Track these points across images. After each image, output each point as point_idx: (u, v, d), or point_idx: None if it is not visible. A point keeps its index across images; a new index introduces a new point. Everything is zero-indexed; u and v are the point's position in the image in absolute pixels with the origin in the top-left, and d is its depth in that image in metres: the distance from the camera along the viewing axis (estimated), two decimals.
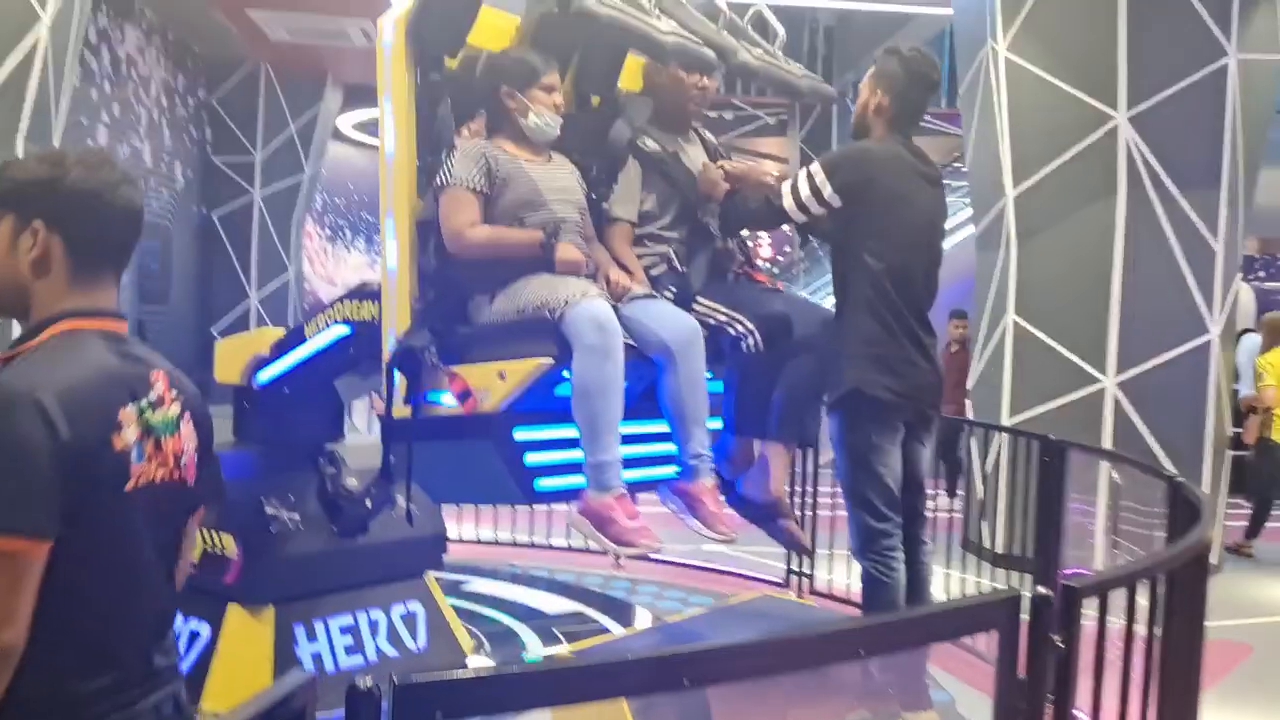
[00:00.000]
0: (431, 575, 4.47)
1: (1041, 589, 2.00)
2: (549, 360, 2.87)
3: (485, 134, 3.18)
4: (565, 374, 2.90)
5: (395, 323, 3.14)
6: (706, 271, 3.42)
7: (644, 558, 6.99)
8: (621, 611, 5.73)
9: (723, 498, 3.68)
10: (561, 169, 3.26)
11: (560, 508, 3.89)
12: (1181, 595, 2.47)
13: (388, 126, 3.12)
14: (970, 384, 8.21)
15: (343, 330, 3.77)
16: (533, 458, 3.07)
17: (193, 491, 1.75)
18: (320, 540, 3.99)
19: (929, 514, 3.61)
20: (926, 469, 3.52)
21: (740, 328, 3.21)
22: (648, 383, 3.10)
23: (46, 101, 7.06)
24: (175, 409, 1.68)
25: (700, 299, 3.28)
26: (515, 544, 7.07)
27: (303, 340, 3.95)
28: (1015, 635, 1.92)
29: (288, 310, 13.66)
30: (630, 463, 3.32)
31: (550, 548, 6.93)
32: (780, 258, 17.36)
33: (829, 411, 3.37)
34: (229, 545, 3.85)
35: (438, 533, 4.38)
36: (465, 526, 6.69)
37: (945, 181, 3.90)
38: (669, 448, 3.21)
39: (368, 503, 4.01)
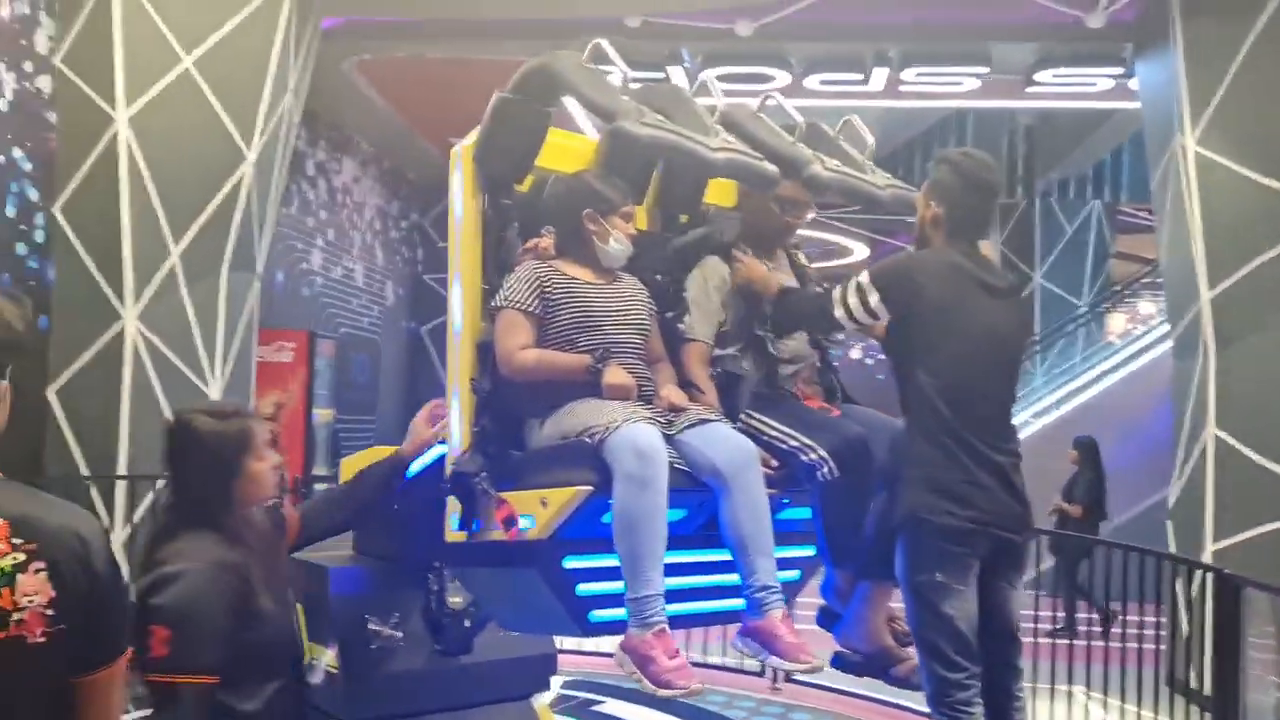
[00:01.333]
0: (542, 698, 4.40)
1: None
2: (588, 488, 2.79)
3: (554, 252, 3.18)
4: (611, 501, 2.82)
5: (458, 446, 3.16)
6: (780, 399, 3.27)
7: (795, 680, 6.73)
8: None
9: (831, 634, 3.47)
10: (626, 290, 3.23)
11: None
12: None
13: (456, 252, 3.19)
14: (1170, 504, 7.50)
15: (442, 449, 3.83)
16: (585, 587, 2.98)
17: (38, 649, 1.60)
18: (423, 658, 4.00)
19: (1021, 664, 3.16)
20: (1017, 612, 3.14)
21: (814, 455, 3.04)
22: (711, 511, 2.97)
23: (250, 231, 7.70)
24: (10, 559, 1.57)
25: (770, 421, 3.13)
26: None
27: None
28: None
29: None
30: (699, 593, 3.17)
31: (705, 665, 6.71)
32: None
33: (896, 545, 3.08)
34: (331, 660, 3.91)
35: (546, 653, 4.31)
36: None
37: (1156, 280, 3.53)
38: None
39: (467, 621, 4.00)
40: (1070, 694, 6.48)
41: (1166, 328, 11.28)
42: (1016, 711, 3.04)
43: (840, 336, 3.53)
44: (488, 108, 3.11)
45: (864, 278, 3.14)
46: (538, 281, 3.07)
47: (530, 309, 3.05)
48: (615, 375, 2.94)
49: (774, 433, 3.12)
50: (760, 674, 6.91)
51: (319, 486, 9.26)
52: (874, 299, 3.09)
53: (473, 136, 3.16)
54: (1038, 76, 9.47)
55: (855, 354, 18.69)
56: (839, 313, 3.15)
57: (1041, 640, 8.17)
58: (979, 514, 2.94)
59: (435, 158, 12.90)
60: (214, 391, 7.44)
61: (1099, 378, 13.01)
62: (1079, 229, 14.68)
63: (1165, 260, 7.83)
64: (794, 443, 3.09)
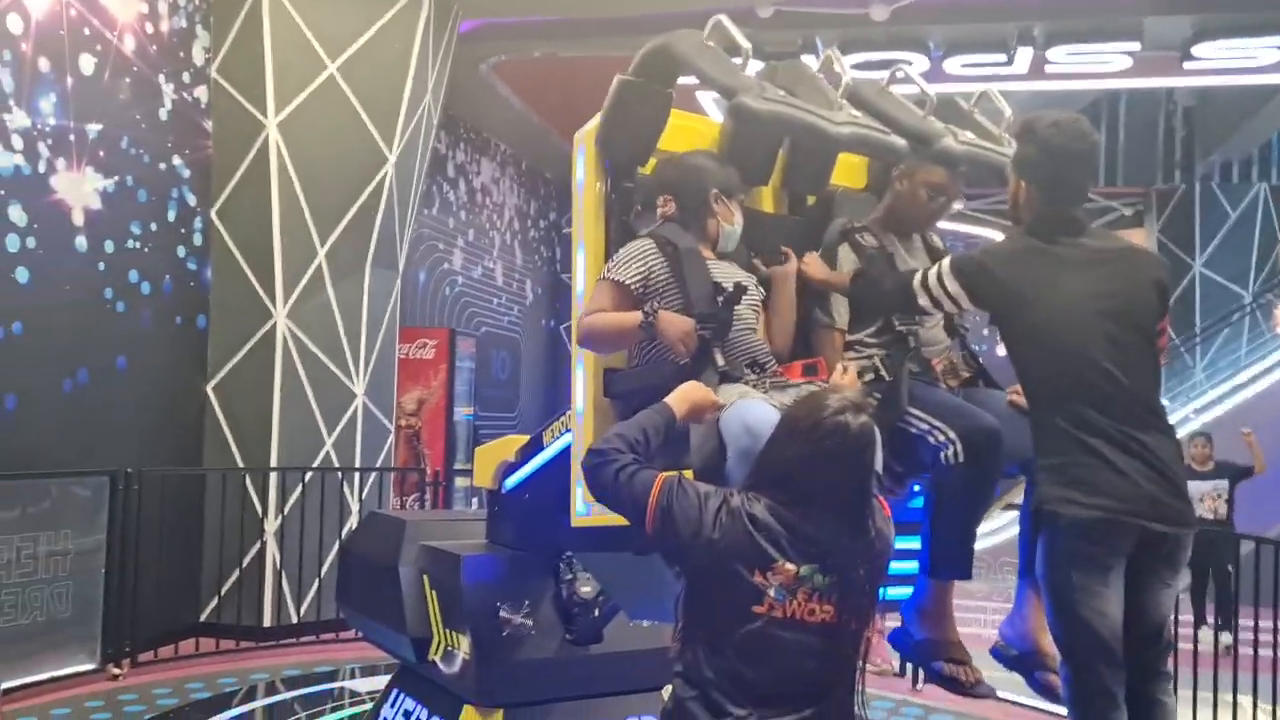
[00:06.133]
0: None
1: None
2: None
3: (675, 218, 3.14)
4: None
5: (580, 429, 3.14)
6: (912, 379, 3.13)
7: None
8: None
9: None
10: (733, 267, 3.18)
11: None
12: None
13: (580, 238, 3.19)
14: None
15: (569, 438, 3.84)
16: None
17: None
18: (553, 647, 4.02)
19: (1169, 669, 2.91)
20: (1168, 613, 2.90)
21: (941, 436, 2.91)
22: None
23: (392, 231, 7.93)
24: None
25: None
26: None
27: (541, 447, 4.06)
28: None
29: None
30: None
31: None
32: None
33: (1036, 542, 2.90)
34: (464, 646, 3.97)
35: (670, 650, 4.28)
36: None
37: None
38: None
39: (596, 611, 4.01)
40: (1236, 704, 6.09)
41: None
42: (1167, 716, 2.83)
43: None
44: (609, 91, 3.09)
45: (945, 262, 2.99)
46: (642, 256, 3.03)
47: (624, 280, 3.00)
48: (669, 320, 2.86)
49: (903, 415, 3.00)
50: (900, 674, 6.74)
51: (461, 480, 9.47)
52: (953, 286, 2.95)
53: (595, 121, 3.15)
54: (1195, 51, 8.89)
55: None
56: (923, 300, 3.01)
57: (1203, 647, 7.74)
58: (1113, 503, 2.70)
59: (571, 158, 13.04)
60: (358, 387, 7.68)
61: (1267, 371, 12.25)
62: (1243, 214, 13.85)
63: None
64: (923, 425, 2.97)
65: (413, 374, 9.85)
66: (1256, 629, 6.35)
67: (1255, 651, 6.22)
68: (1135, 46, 8.90)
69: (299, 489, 7.31)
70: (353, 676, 6.53)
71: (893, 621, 3.38)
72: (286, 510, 7.34)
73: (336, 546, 7.23)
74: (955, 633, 3.19)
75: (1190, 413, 12.05)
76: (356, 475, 7.71)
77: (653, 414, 2.57)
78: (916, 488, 3.18)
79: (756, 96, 2.81)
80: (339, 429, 7.62)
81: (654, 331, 2.88)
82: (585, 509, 3.10)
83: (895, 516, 2.63)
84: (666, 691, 4.37)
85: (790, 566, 2.22)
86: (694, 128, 3.36)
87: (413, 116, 7.84)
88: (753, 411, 2.68)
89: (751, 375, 3.04)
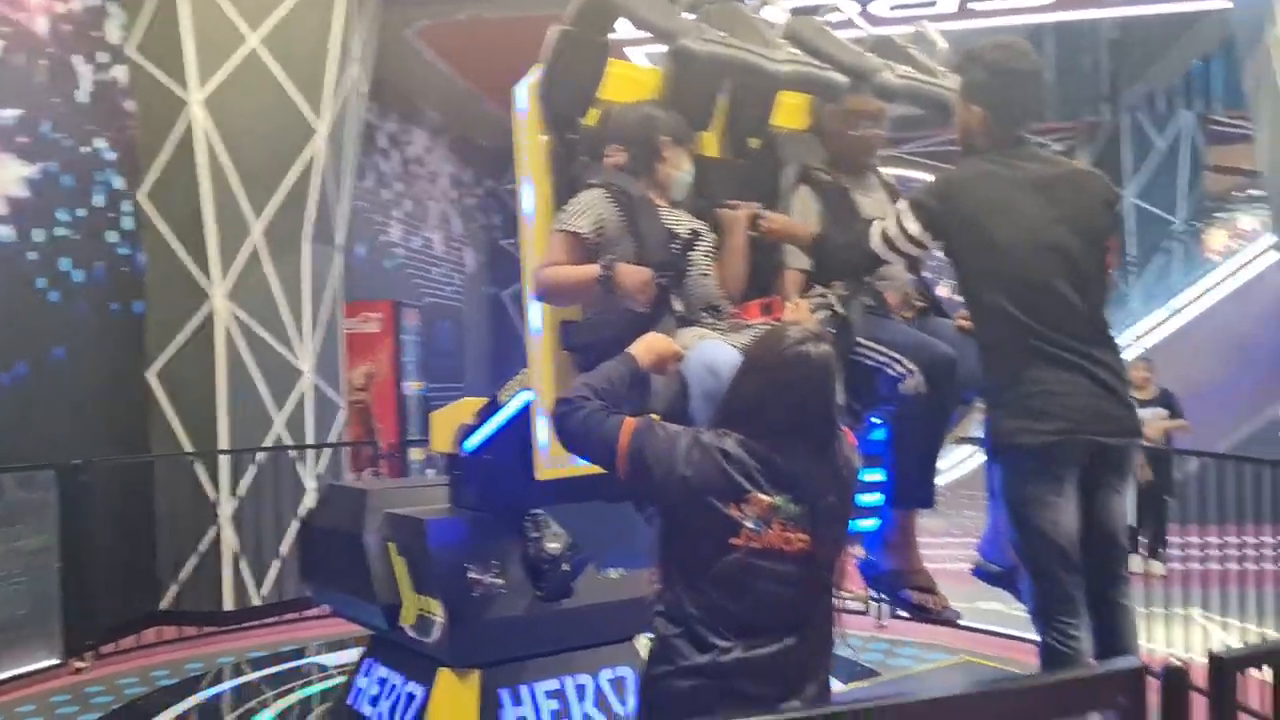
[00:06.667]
0: (645, 638, 4.41)
1: (1174, 659, 1.67)
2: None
3: (625, 167, 3.13)
4: None
5: (540, 382, 3.14)
6: (867, 313, 3.17)
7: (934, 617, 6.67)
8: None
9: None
10: (685, 214, 3.19)
11: None
12: None
13: (525, 189, 3.17)
14: None
15: (528, 395, 3.83)
16: None
17: None
18: (525, 605, 4.04)
19: (1128, 573, 3.00)
20: (1121, 519, 2.99)
21: (900, 368, 2.95)
22: None
23: (328, 204, 7.80)
24: None
25: (859, 340, 3.05)
26: None
27: (499, 407, 4.05)
28: (1140, 716, 1.60)
29: None
30: None
31: None
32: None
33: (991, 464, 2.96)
34: (436, 610, 3.97)
35: (646, 595, 4.32)
36: None
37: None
38: None
39: (565, 566, 4.02)
40: (1187, 617, 6.29)
41: (1270, 240, 10.85)
42: (1124, 622, 2.91)
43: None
44: (546, 42, 3.06)
45: (902, 206, 2.99)
46: (595, 206, 3.01)
47: (579, 231, 2.99)
48: (626, 273, 2.85)
49: (860, 348, 3.04)
50: (864, 612, 6.86)
51: (415, 452, 9.42)
52: (914, 228, 2.94)
53: (534, 73, 3.12)
54: None
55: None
56: (877, 245, 3.00)
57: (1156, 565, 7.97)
58: (1065, 424, 2.77)
59: (504, 122, 12.90)
60: (305, 364, 7.58)
61: (1201, 295, 12.55)
62: (1171, 143, 14.10)
63: (1265, 163, 7.47)
64: (881, 357, 3.00)
65: (359, 348, 9.75)
66: (1203, 546, 6.55)
67: (1203, 566, 6.43)
68: None
69: (252, 471, 7.22)
70: (320, 653, 6.49)
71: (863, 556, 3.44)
72: (241, 493, 7.25)
73: (294, 526, 7.17)
74: (920, 561, 3.25)
75: (1130, 339, 12.31)
76: (310, 453, 7.63)
77: (617, 364, 2.57)
78: (876, 421, 3.22)
79: (696, 39, 2.81)
80: (288, 408, 7.53)
81: (612, 284, 2.88)
82: (550, 462, 3.10)
83: (865, 449, 2.68)
84: (640, 641, 4.43)
85: (764, 498, 2.25)
86: (633, 76, 3.35)
87: (341, 86, 7.70)
88: (714, 352, 2.69)
89: (709, 319, 3.05)
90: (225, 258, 7.27)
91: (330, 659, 6.27)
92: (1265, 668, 1.89)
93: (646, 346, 2.62)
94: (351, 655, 5.63)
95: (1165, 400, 8.81)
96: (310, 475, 7.62)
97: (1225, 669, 1.68)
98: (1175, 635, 6.14)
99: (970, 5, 9.41)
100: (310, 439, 7.63)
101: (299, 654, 6.48)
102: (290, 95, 7.38)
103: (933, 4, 9.31)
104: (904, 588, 3.20)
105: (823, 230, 3.23)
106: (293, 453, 7.47)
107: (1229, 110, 13.92)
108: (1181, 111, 14.17)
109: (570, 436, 2.46)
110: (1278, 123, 6.93)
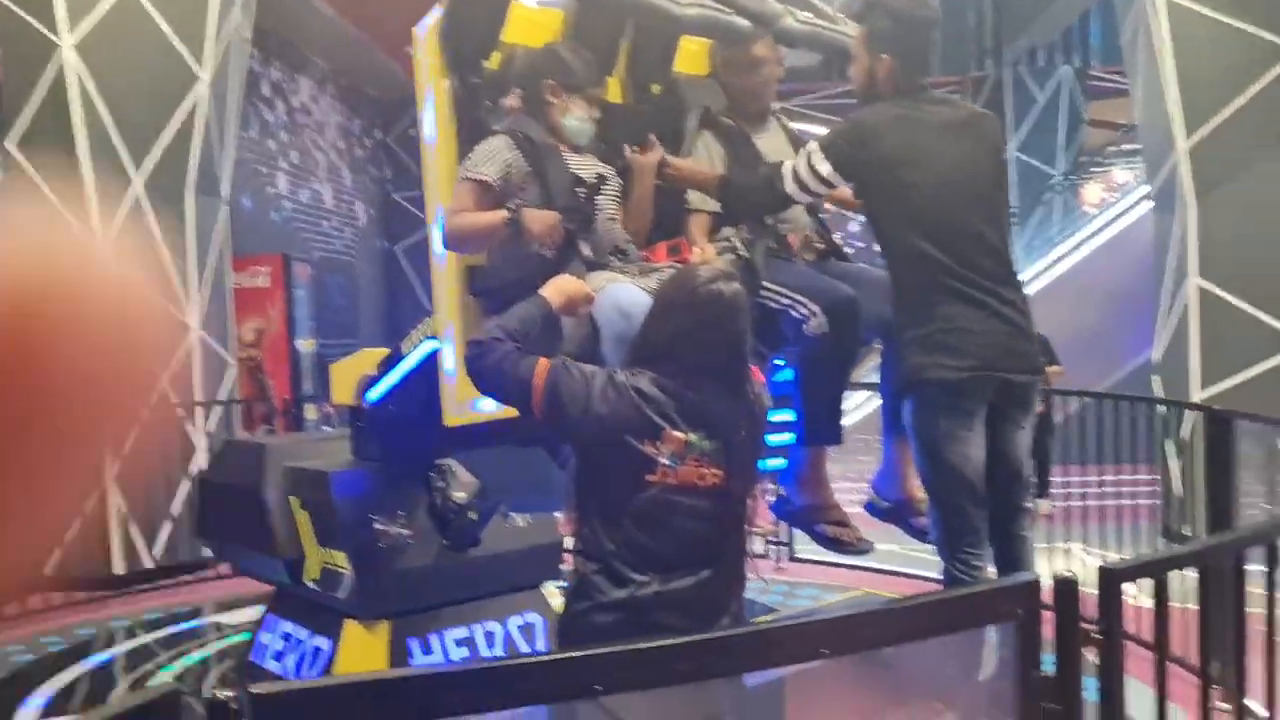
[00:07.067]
0: (552, 585, 4.45)
1: (1065, 572, 1.76)
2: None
3: (526, 112, 3.10)
4: None
5: (445, 313, 3.10)
6: (770, 256, 3.22)
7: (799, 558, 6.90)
8: None
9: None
10: (591, 159, 3.17)
11: None
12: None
13: (428, 134, 3.12)
14: (1155, 359, 7.56)
15: (433, 345, 3.79)
16: None
17: None
18: (432, 554, 4.03)
19: (1029, 505, 3.15)
20: (1024, 453, 3.12)
21: (804, 309, 3.01)
22: None
23: (212, 154, 7.54)
24: None
25: (764, 283, 3.10)
26: None
27: (401, 357, 4.00)
28: (1035, 626, 1.69)
29: None
30: None
31: None
32: None
33: (901, 400, 3.05)
34: (341, 562, 3.93)
35: (554, 542, 4.35)
36: None
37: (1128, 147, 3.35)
38: None
39: (472, 514, 4.02)
40: (1069, 551, 6.60)
41: (1141, 191, 11.29)
42: (1024, 552, 3.06)
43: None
44: None
45: (812, 147, 3.04)
46: (499, 152, 2.99)
47: (484, 178, 2.96)
48: (533, 217, 2.85)
49: (765, 292, 3.09)
50: (764, 555, 7.01)
51: (309, 407, 9.24)
52: (825, 168, 2.99)
53: (435, 15, 3.06)
54: None
55: None
56: (790, 188, 3.05)
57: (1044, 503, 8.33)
58: (977, 361, 2.87)
59: (394, 72, 12.61)
60: (193, 320, 7.36)
61: (1077, 246, 13.02)
62: (1050, 97, 14.53)
63: (1140, 115, 7.76)
64: (785, 300, 3.06)
65: (248, 304, 9.49)
66: (1082, 484, 6.87)
67: (1084, 502, 6.76)
68: None
69: (137, 430, 6.99)
70: (217, 612, 6.37)
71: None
72: (127, 452, 7.01)
73: (185, 485, 6.98)
74: (833, 496, 3.34)
75: None
76: (199, 411, 7.42)
77: (529, 306, 2.57)
78: (781, 362, 3.28)
79: None
80: (174, 365, 7.30)
81: (519, 228, 2.86)
82: (460, 408, 3.09)
83: (771, 390, 2.73)
84: (548, 588, 4.47)
85: (679, 434, 2.28)
86: (535, 19, 3.30)
87: (223, 32, 7.41)
88: (624, 294, 2.71)
89: (617, 262, 3.06)
90: (105, 210, 6.98)
91: (228, 618, 6.16)
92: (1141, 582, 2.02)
93: (558, 288, 2.62)
94: (250, 614, 5.54)
95: (1042, 345, 9.13)
96: (200, 434, 7.42)
97: (1112, 580, 1.78)
98: (1058, 567, 6.44)
99: None
100: (198, 397, 7.43)
101: (196, 614, 6.36)
102: (170, 40, 7.09)
103: None
104: (819, 522, 3.29)
105: (729, 174, 3.26)
106: (181, 411, 7.26)
107: (1106, 66, 14.39)
108: (1062, 67, 14.59)
109: (484, 378, 2.45)
110: (1152, 78, 7.20)
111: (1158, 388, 7.44)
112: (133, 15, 6.93)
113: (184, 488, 7.02)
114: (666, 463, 2.27)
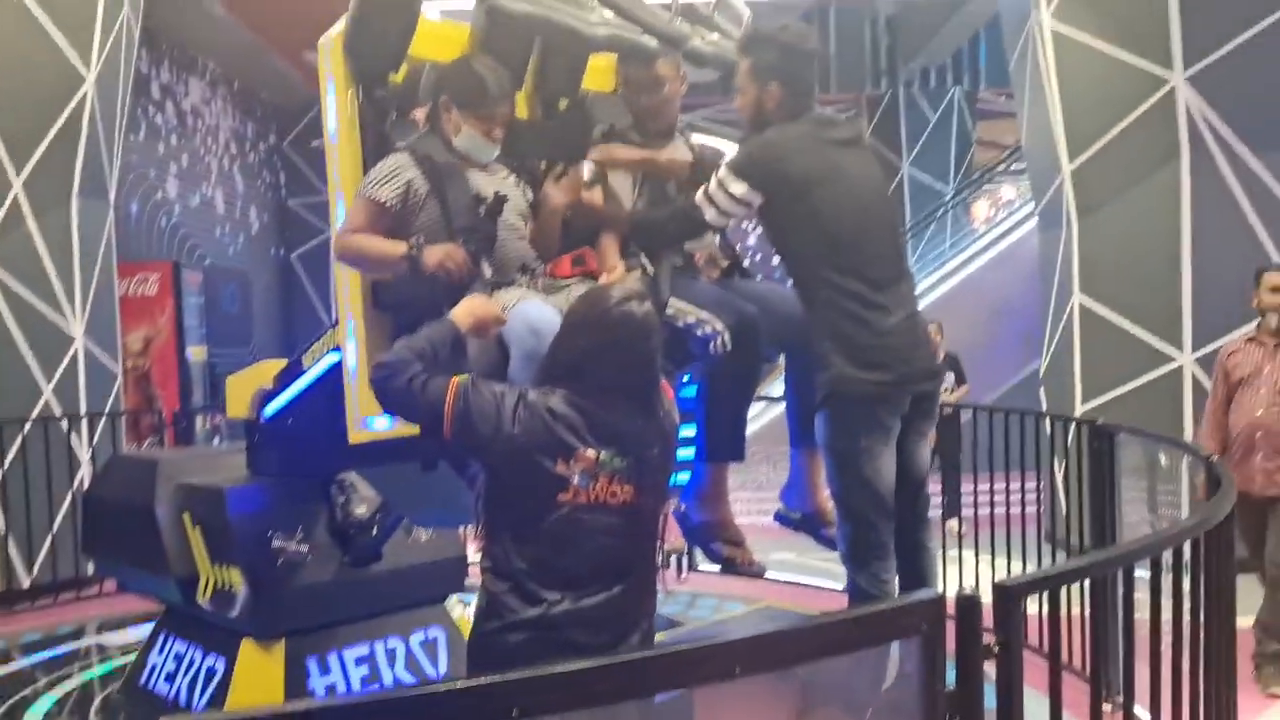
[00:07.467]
0: (457, 599, 4.40)
1: (966, 589, 1.82)
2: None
3: (427, 126, 3.06)
4: None
5: (354, 331, 3.05)
6: (675, 273, 3.25)
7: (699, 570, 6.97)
8: None
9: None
10: (498, 175, 3.15)
11: None
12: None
13: (332, 148, 3.07)
14: (1041, 372, 7.84)
15: (335, 357, 3.73)
16: None
17: None
18: (331, 571, 3.96)
19: (932, 515, 3.23)
20: (926, 464, 3.21)
21: (709, 328, 3.04)
22: None
23: (98, 157, 7.28)
24: None
25: (670, 299, 3.12)
26: None
27: (302, 371, 3.92)
28: (940, 642, 1.74)
29: None
30: None
31: None
32: None
33: (816, 414, 3.10)
34: (236, 580, 3.83)
35: (458, 555, 4.31)
36: None
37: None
38: None
39: (373, 530, 3.96)
40: (961, 559, 6.79)
41: (1027, 209, 11.69)
42: (927, 564, 3.13)
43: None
44: None
45: (723, 172, 3.06)
46: (398, 172, 2.93)
47: (382, 200, 2.91)
48: (435, 254, 2.81)
49: (670, 310, 3.11)
50: (665, 566, 7.03)
51: (200, 419, 8.98)
52: (740, 189, 3.02)
53: (340, 25, 3.01)
54: None
55: None
56: (710, 215, 3.07)
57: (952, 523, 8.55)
58: (894, 375, 2.94)
59: (289, 77, 12.36)
60: (75, 328, 7.09)
61: (968, 261, 13.41)
62: (941, 116, 14.97)
63: (1027, 138, 8.04)
64: (690, 319, 3.08)
65: (135, 312, 9.18)
66: (976, 491, 7.07)
67: (975, 511, 6.95)
68: None
69: (18, 442, 6.70)
70: (100, 632, 6.13)
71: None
72: (6, 466, 6.72)
73: (69, 500, 6.72)
74: (731, 515, 3.37)
75: None
76: (84, 423, 7.15)
77: (438, 327, 2.55)
78: (686, 378, 3.31)
79: None
80: (58, 375, 7.02)
81: (419, 266, 2.81)
82: (365, 424, 3.04)
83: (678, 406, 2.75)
84: (450, 602, 4.42)
85: (590, 453, 2.29)
86: (444, 33, 3.27)
87: (110, 30, 7.16)
88: (535, 312, 2.70)
89: (523, 279, 3.04)
90: None
91: (112, 638, 5.93)
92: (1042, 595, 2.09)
93: (468, 310, 2.60)
94: (136, 634, 5.35)
95: (952, 364, 9.44)
96: (86, 446, 7.15)
97: (1009, 595, 1.84)
98: (951, 575, 6.61)
99: None
100: (83, 408, 7.15)
101: (78, 634, 6.11)
102: (54, 38, 6.83)
103: None
104: (715, 540, 3.32)
105: (643, 211, 3.28)
106: (64, 422, 6.99)
107: (994, 88, 14.89)
108: (951, 87, 15.06)
109: (391, 399, 2.43)
110: (1037, 99, 7.47)
111: (1044, 399, 7.71)
112: (11, 9, 6.66)
113: (66, 504, 6.75)
114: (578, 482, 2.27)
